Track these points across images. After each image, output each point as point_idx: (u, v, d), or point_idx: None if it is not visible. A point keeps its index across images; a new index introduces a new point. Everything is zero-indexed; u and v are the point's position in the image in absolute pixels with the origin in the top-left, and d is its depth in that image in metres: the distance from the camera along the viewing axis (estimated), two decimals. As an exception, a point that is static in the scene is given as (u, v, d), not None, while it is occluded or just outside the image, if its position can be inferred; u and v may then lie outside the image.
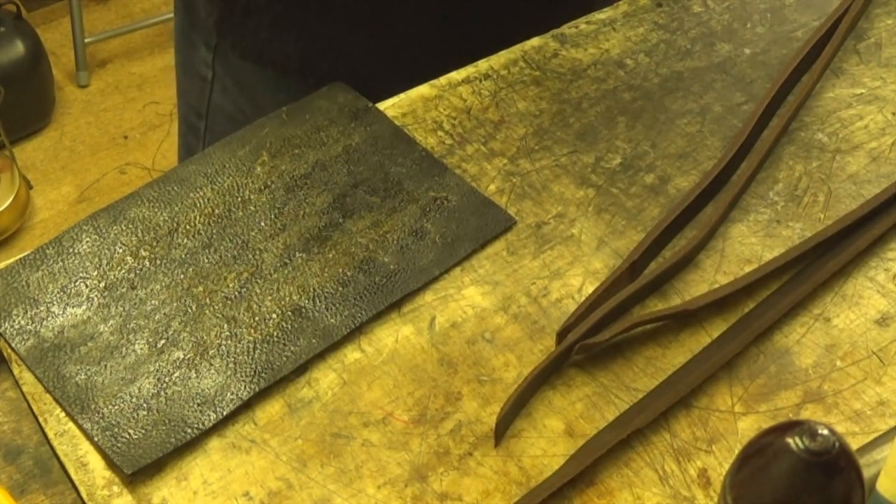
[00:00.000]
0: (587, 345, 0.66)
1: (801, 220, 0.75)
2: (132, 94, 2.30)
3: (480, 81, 0.83)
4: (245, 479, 0.62)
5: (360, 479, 0.62)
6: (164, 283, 0.69)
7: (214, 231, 0.72)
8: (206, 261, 0.71)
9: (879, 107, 0.82)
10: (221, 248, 0.71)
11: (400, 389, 0.66)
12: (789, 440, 0.48)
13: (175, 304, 0.68)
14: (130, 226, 0.72)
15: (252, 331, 0.67)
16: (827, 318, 0.69)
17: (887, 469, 0.53)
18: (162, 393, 0.64)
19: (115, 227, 0.72)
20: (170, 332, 0.67)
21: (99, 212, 0.73)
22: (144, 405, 0.64)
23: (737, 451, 0.53)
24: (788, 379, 0.66)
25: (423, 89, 0.82)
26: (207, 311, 0.68)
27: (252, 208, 0.74)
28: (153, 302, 0.69)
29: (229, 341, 0.67)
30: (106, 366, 0.65)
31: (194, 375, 0.65)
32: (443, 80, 0.83)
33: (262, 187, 0.75)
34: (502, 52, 0.85)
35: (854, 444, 0.60)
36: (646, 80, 0.84)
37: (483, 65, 0.84)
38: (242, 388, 0.65)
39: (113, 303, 0.68)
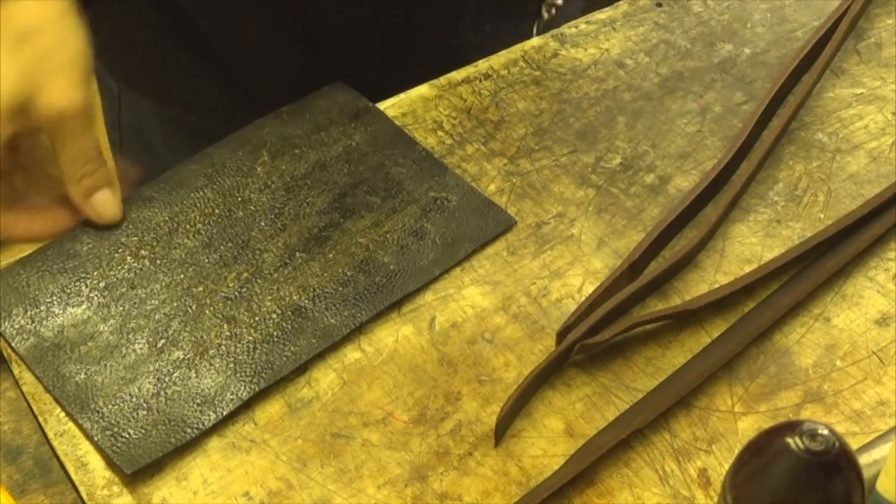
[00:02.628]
0: (587, 345, 0.66)
1: (801, 220, 0.75)
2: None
3: (480, 81, 0.83)
4: (245, 479, 0.62)
5: (360, 479, 0.62)
6: (164, 283, 0.69)
7: (215, 231, 0.72)
8: (207, 261, 0.71)
9: (879, 107, 0.82)
10: (222, 248, 0.71)
11: (400, 389, 0.66)
12: (789, 440, 0.48)
13: (175, 304, 0.68)
14: (131, 226, 0.72)
15: (252, 331, 0.67)
16: (827, 318, 0.69)
17: (887, 469, 0.53)
18: (162, 393, 0.64)
19: (115, 228, 0.72)
20: (170, 332, 0.67)
21: None
22: (144, 405, 0.64)
23: (737, 451, 0.53)
24: (788, 379, 0.66)
25: (423, 89, 0.82)
26: (207, 311, 0.68)
27: (252, 208, 0.74)
28: (153, 302, 0.69)
29: (229, 341, 0.67)
30: (106, 365, 0.65)
31: (194, 375, 0.65)
32: (443, 80, 0.83)
33: (263, 187, 0.75)
34: (502, 52, 0.85)
35: (854, 444, 0.60)
36: (646, 80, 0.84)
37: (483, 65, 0.84)
38: (242, 388, 0.65)
39: (113, 302, 0.68)
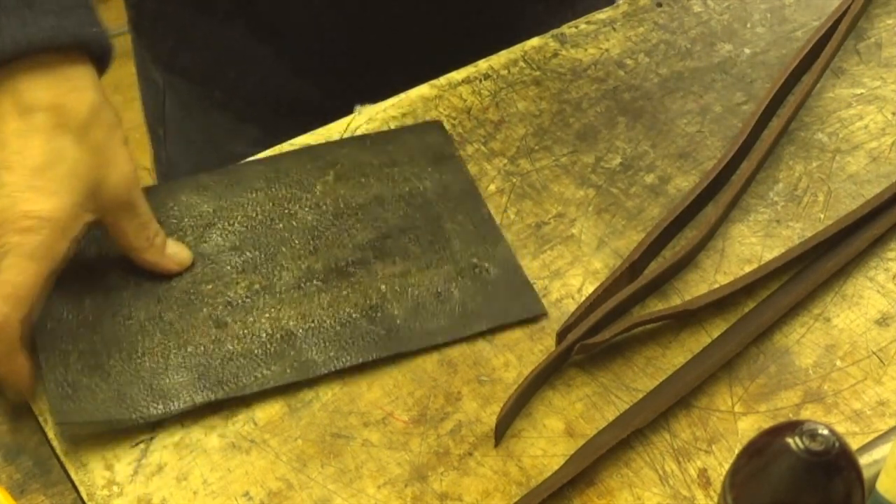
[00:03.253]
0: (587, 345, 0.66)
1: (801, 220, 0.75)
2: (132, 94, 2.29)
3: (480, 81, 0.83)
4: (245, 479, 0.62)
5: (360, 479, 0.62)
6: (179, 272, 0.69)
7: (248, 236, 0.71)
8: (228, 262, 0.70)
9: (879, 107, 0.82)
10: (247, 253, 0.70)
11: (400, 389, 0.66)
12: (789, 440, 0.48)
13: (178, 295, 0.68)
14: (175, 208, 0.72)
15: (236, 342, 0.66)
16: (827, 318, 0.69)
17: (887, 469, 0.53)
18: (127, 370, 0.64)
19: (165, 205, 0.72)
20: (163, 318, 0.67)
21: (156, 187, 0.73)
22: (106, 374, 0.64)
23: (737, 451, 0.53)
24: (788, 379, 0.66)
25: (423, 89, 0.82)
26: (205, 310, 0.68)
27: (294, 224, 0.72)
28: (162, 286, 0.68)
29: (211, 344, 0.66)
30: (94, 326, 0.65)
31: (163, 366, 0.65)
32: (443, 80, 0.83)
33: (313, 206, 0.73)
34: (502, 52, 0.85)
35: (854, 444, 0.60)
36: (646, 80, 0.83)
37: (483, 65, 0.84)
38: (200, 393, 0.64)
39: (128, 274, 0.68)
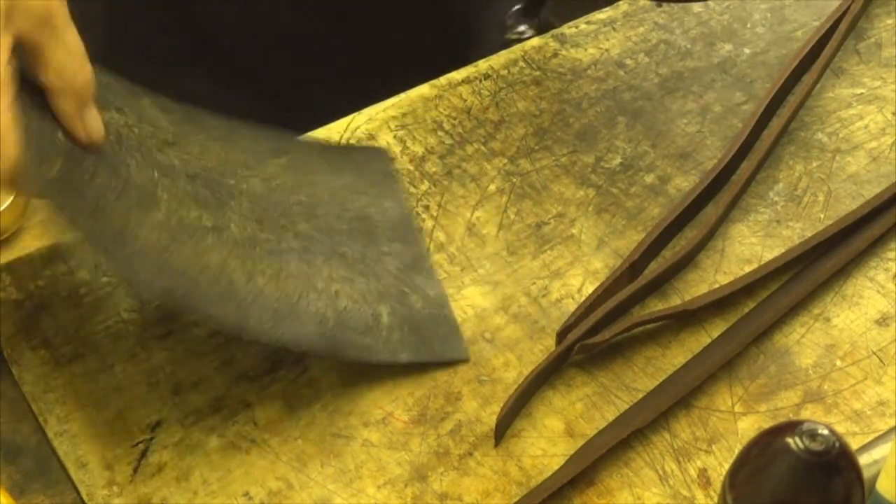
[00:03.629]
0: (587, 345, 0.66)
1: (801, 220, 0.75)
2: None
3: (480, 81, 0.83)
4: (245, 479, 0.62)
5: (360, 479, 0.62)
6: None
7: (203, 176, 0.67)
8: (182, 187, 0.66)
9: (879, 107, 0.82)
10: (200, 190, 0.66)
11: (400, 389, 0.66)
12: (789, 440, 0.48)
13: (140, 183, 0.64)
14: (134, 106, 0.67)
15: (186, 262, 0.63)
16: (827, 318, 0.69)
17: (887, 469, 0.53)
18: (96, 221, 0.61)
19: (122, 95, 0.66)
20: (129, 197, 0.63)
21: (117, 77, 0.67)
22: (82, 209, 0.61)
23: (737, 451, 0.53)
24: (788, 379, 0.66)
25: (424, 89, 0.82)
26: (159, 216, 0.64)
27: (245, 187, 0.68)
28: (126, 168, 0.64)
29: (163, 250, 0.63)
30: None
31: (123, 240, 0.62)
32: (443, 80, 0.83)
33: (264, 180, 0.70)
34: (502, 52, 0.85)
35: (854, 444, 0.60)
36: (646, 80, 0.84)
37: (483, 65, 0.84)
38: (156, 281, 0.62)
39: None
